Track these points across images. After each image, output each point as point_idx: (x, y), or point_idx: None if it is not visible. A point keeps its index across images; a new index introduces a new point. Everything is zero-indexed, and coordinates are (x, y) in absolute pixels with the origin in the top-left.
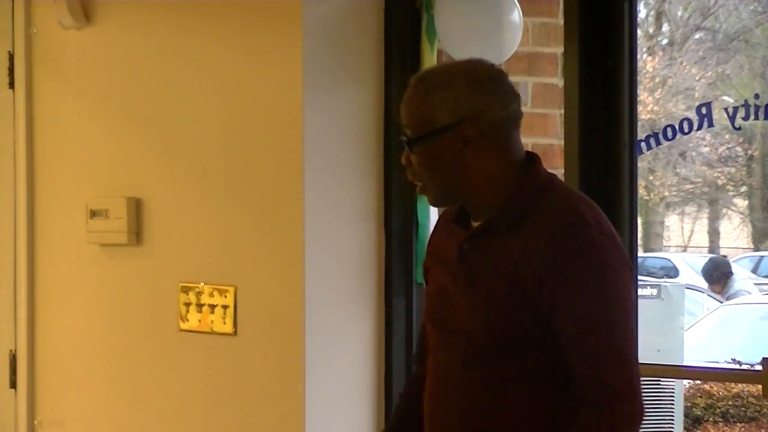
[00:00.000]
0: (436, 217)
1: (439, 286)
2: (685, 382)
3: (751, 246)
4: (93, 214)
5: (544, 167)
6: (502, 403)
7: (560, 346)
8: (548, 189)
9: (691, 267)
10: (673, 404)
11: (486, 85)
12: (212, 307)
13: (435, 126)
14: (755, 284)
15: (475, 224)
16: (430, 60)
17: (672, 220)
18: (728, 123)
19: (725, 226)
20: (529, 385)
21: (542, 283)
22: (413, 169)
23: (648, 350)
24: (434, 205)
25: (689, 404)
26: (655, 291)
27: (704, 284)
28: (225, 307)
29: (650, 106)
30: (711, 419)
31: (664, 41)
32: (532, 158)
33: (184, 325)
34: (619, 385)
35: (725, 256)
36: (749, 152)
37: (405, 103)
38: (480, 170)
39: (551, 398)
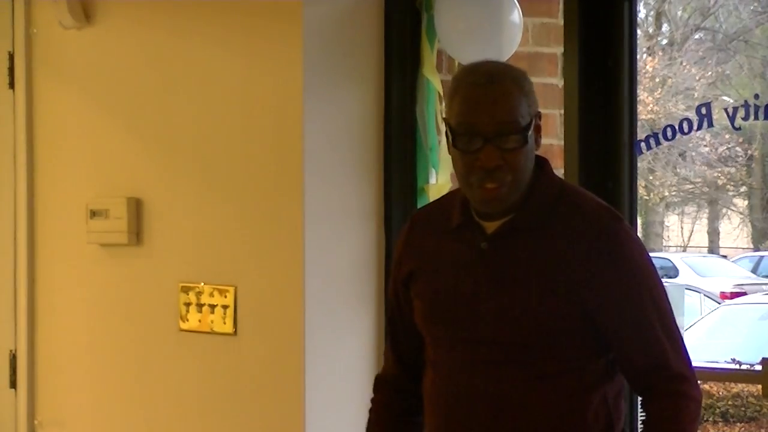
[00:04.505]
0: None
1: (442, 288)
2: None
3: (751, 246)
4: (93, 214)
5: None
6: (537, 400)
7: (613, 341)
8: (567, 189)
9: (690, 267)
10: None
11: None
12: (212, 307)
13: (534, 119)
14: None
15: (488, 224)
16: (430, 60)
17: (672, 220)
18: (728, 123)
19: (725, 226)
20: (563, 381)
21: (589, 280)
22: (501, 171)
23: None
24: (497, 208)
25: None
26: None
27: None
28: (225, 307)
29: (650, 106)
30: (711, 419)
31: (664, 41)
32: (543, 160)
33: (184, 325)
34: (687, 372)
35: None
36: (749, 152)
37: (496, 99)
38: (530, 167)
39: (585, 394)
